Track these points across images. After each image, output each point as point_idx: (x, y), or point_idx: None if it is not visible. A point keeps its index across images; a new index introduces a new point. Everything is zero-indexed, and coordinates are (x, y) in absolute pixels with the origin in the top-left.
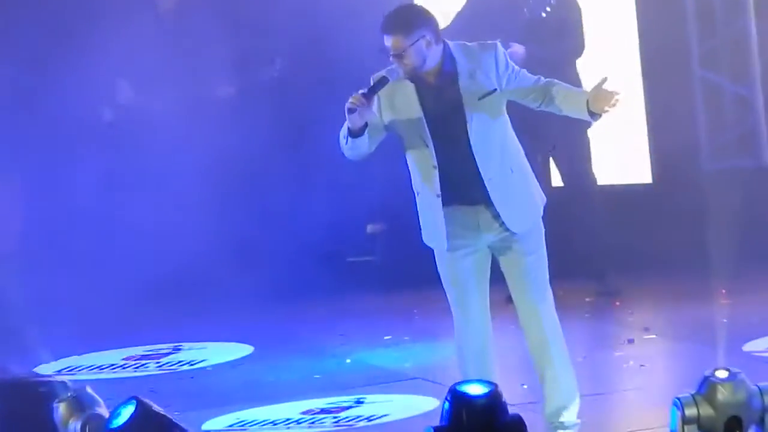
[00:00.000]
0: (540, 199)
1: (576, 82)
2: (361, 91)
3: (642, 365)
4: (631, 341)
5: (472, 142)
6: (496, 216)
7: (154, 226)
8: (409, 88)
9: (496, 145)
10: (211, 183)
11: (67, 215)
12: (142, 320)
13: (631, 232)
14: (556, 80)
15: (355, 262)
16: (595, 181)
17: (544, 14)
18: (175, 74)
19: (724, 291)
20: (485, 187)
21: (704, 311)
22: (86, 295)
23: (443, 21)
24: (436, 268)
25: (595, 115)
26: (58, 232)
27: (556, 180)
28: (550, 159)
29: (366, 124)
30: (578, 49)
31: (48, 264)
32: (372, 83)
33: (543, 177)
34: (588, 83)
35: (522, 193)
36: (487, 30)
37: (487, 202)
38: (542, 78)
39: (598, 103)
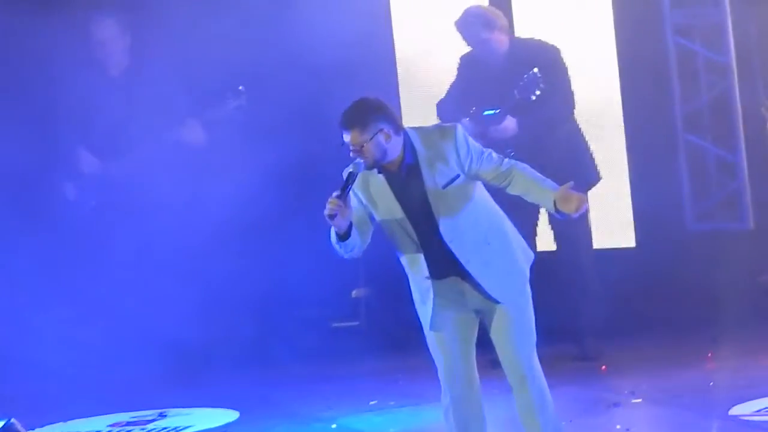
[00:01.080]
0: (525, 260)
1: (576, 134)
2: (335, 194)
3: (628, 430)
4: (617, 405)
5: (441, 231)
6: (478, 285)
7: (136, 292)
8: (381, 178)
9: (468, 228)
10: (191, 244)
11: (53, 280)
12: (128, 385)
13: (616, 296)
14: (520, 165)
15: (339, 327)
16: (590, 244)
17: (533, 97)
18: (137, 131)
19: (710, 354)
20: (463, 267)
21: (690, 375)
22: (71, 360)
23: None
24: (422, 331)
25: (562, 214)
26: (42, 297)
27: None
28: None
29: (351, 224)
30: (570, 108)
31: (31, 328)
32: (344, 180)
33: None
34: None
35: (502, 263)
36: (477, 103)
37: (468, 276)
38: (505, 160)
39: (565, 205)
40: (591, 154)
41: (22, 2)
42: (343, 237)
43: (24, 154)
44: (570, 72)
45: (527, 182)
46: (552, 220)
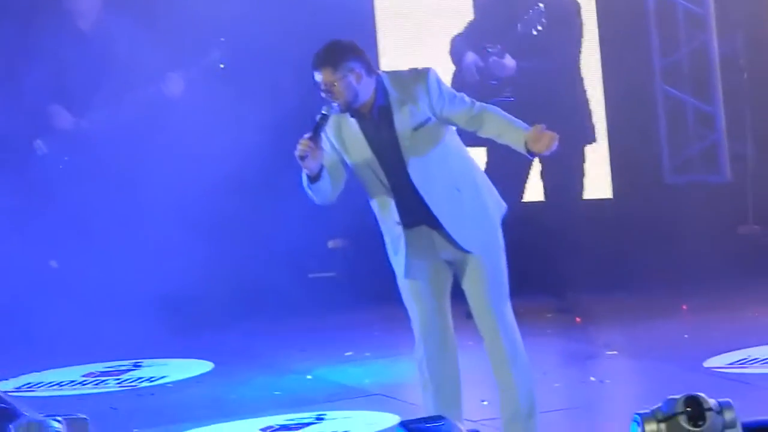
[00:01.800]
0: (497, 210)
1: (578, 91)
2: (306, 135)
3: (603, 381)
4: (591, 357)
5: (410, 174)
6: (448, 235)
7: (113, 243)
8: (353, 122)
9: (435, 171)
10: (167, 197)
11: (27, 231)
12: (103, 336)
13: (592, 248)
14: (491, 108)
15: (316, 278)
16: (581, 195)
17: (535, 32)
18: (113, 86)
19: (685, 307)
20: (433, 213)
21: (666, 327)
22: (46, 311)
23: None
24: (398, 284)
25: (532, 154)
26: (16, 247)
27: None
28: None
29: (322, 167)
30: (575, 64)
31: (6, 280)
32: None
33: (516, 191)
34: None
35: (473, 211)
36: (490, 40)
37: (438, 224)
38: (476, 104)
39: (536, 144)
40: (590, 113)
41: None
42: (314, 179)
43: None
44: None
45: (499, 124)
46: (544, 172)
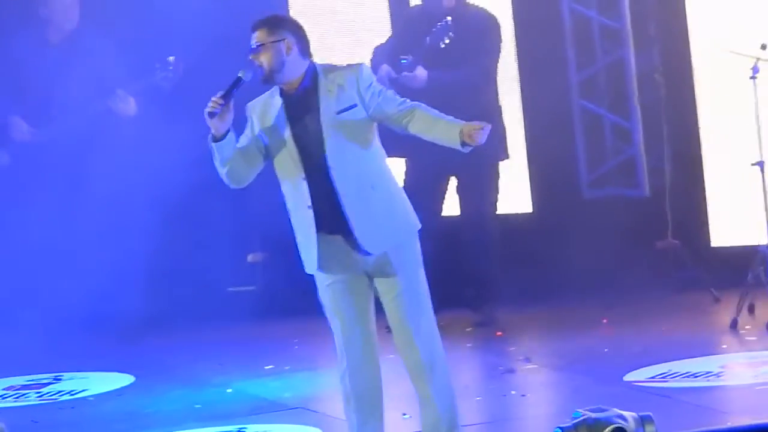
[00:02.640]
0: (411, 221)
1: (493, 108)
2: (219, 94)
3: (523, 395)
4: (512, 371)
5: (327, 158)
6: (354, 236)
7: (37, 257)
8: (278, 101)
9: (353, 162)
10: (97, 209)
11: None
12: (24, 350)
13: (513, 262)
14: (422, 105)
15: (235, 292)
16: (495, 211)
17: (443, 45)
18: (69, 99)
19: (605, 320)
20: (341, 204)
21: (586, 341)
22: None
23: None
24: (318, 295)
25: (466, 146)
26: None
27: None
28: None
29: (229, 131)
30: (489, 81)
31: None
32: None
33: (434, 205)
34: None
35: (384, 212)
36: (406, 52)
37: (346, 222)
38: (408, 101)
39: (470, 136)
40: (503, 129)
41: None
42: (218, 139)
43: None
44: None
45: (430, 118)
46: (459, 187)
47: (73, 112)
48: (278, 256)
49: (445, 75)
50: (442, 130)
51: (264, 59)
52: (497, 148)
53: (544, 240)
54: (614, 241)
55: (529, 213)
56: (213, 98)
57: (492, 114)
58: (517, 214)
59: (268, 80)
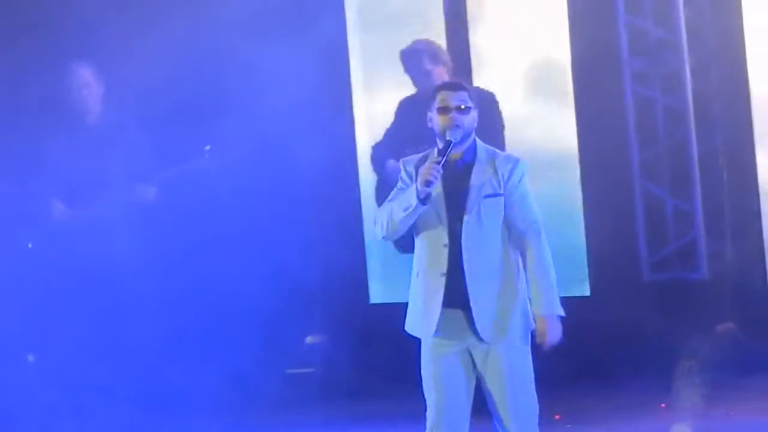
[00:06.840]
0: (527, 318)
1: None
2: (437, 160)
3: None
4: None
5: (463, 233)
6: (471, 316)
7: (87, 344)
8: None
9: (486, 245)
10: (153, 291)
11: None
12: None
13: (570, 346)
14: (541, 239)
15: (294, 374)
16: None
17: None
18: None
19: (663, 405)
20: (466, 283)
21: (644, 425)
22: None
23: None
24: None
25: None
26: None
27: None
28: None
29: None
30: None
31: None
32: (442, 149)
33: None
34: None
35: (503, 302)
36: (408, 145)
37: (467, 301)
38: (535, 224)
39: (540, 333)
40: None
41: None
42: (425, 202)
43: None
44: (526, 121)
45: (530, 267)
46: None
47: (103, 196)
48: (337, 338)
49: None
50: (531, 290)
51: (466, 122)
52: None
53: (603, 323)
54: (674, 324)
55: (588, 296)
56: (432, 164)
57: None
58: (575, 297)
59: (459, 142)
